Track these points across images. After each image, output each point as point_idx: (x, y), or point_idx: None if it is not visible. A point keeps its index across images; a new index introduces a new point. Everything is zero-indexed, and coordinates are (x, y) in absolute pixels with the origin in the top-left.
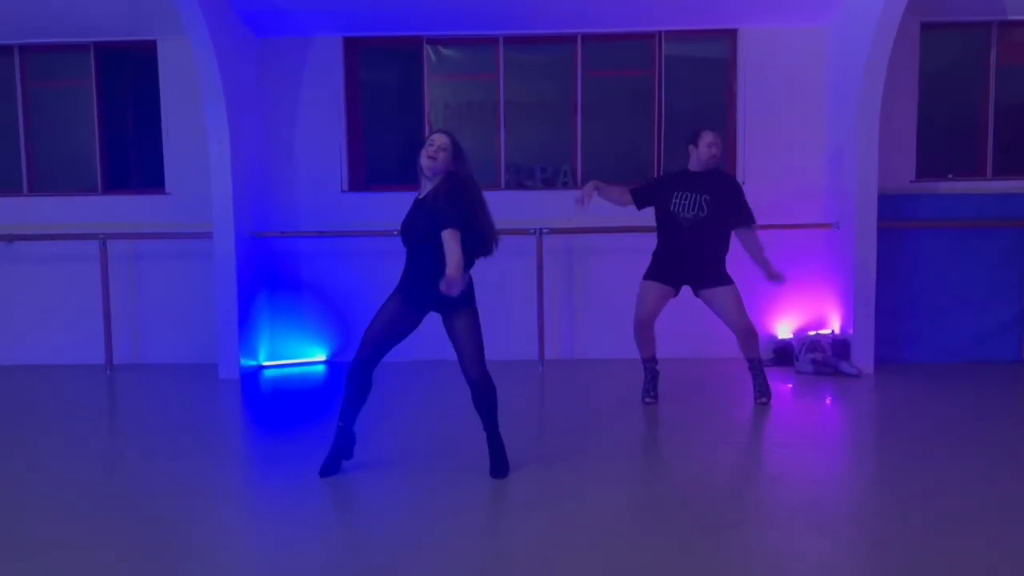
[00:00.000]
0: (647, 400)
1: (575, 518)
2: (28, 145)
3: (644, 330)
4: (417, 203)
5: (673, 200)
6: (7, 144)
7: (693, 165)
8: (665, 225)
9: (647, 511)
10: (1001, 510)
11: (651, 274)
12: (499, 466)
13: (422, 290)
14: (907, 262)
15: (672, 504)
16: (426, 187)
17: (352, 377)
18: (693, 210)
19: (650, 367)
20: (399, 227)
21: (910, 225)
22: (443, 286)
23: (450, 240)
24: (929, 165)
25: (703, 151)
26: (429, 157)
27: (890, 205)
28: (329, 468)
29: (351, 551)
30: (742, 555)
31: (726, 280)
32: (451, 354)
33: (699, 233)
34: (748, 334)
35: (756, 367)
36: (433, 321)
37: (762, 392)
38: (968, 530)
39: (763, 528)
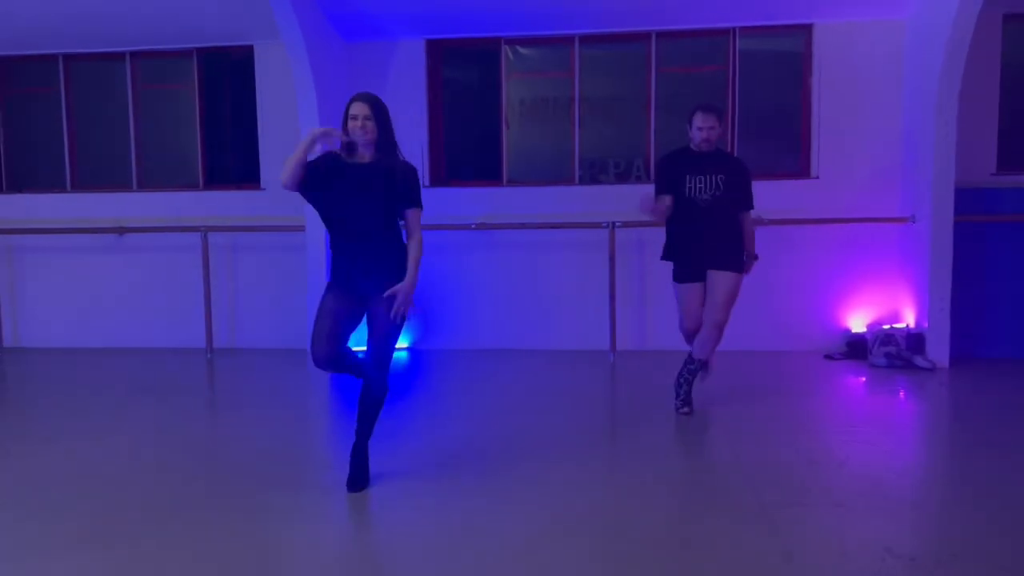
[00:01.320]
0: (683, 411)
1: (648, 491)
2: (137, 144)
3: (694, 335)
4: (347, 170)
5: (687, 185)
6: (120, 143)
7: (692, 143)
8: (680, 210)
9: (714, 490)
10: None
11: (682, 275)
12: (358, 478)
13: (363, 277)
14: (987, 256)
15: (738, 484)
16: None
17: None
18: (710, 191)
19: (692, 371)
20: (330, 199)
21: (990, 219)
22: (397, 305)
23: (417, 229)
24: (1011, 157)
25: (694, 135)
26: (360, 129)
27: (969, 198)
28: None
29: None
30: (803, 532)
31: (737, 266)
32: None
33: (717, 213)
34: (717, 328)
35: (693, 372)
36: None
37: (685, 401)
38: None
39: (826, 508)
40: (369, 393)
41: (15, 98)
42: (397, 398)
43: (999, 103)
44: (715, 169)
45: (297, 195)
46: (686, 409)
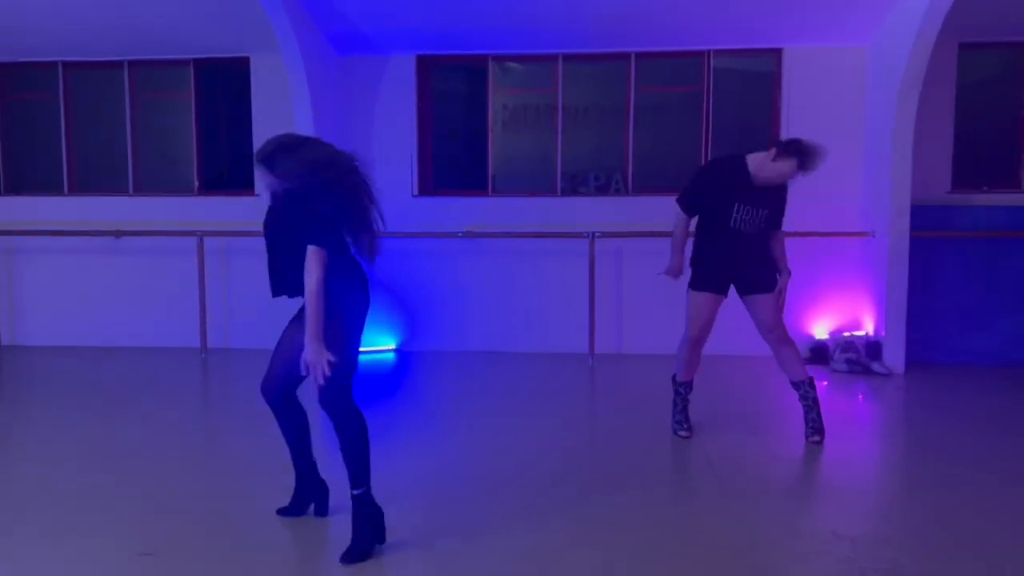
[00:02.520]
0: (682, 433)
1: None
2: (134, 150)
3: (697, 347)
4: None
5: (734, 215)
6: (117, 149)
7: (758, 173)
8: (718, 235)
9: (684, 481)
10: (1001, 507)
11: (703, 284)
12: (364, 544)
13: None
14: (941, 269)
15: (707, 477)
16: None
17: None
18: (754, 224)
19: (684, 393)
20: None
21: (944, 234)
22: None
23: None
24: (965, 177)
25: (771, 170)
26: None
27: (926, 215)
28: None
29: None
30: (763, 519)
31: (772, 284)
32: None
33: (756, 242)
34: (784, 343)
35: (806, 393)
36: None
37: (815, 429)
38: (970, 516)
39: (783, 498)
40: (339, 434)
41: (15, 103)
42: (385, 394)
43: (954, 126)
44: (763, 203)
45: None
46: (816, 438)
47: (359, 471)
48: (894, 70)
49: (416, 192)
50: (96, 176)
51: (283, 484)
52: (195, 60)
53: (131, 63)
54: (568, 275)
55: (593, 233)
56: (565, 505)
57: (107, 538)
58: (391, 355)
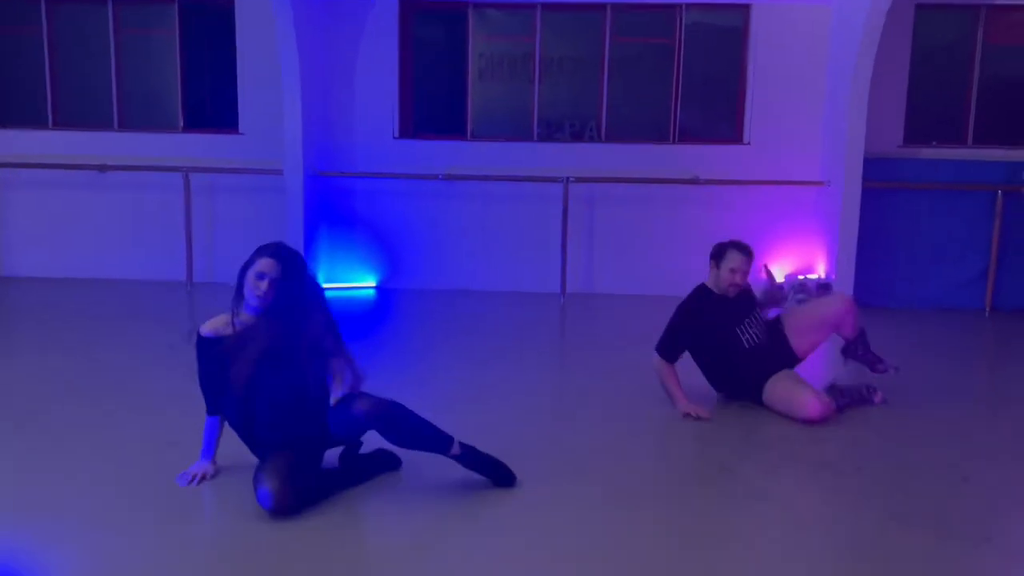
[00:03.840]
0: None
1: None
2: (119, 86)
3: (828, 408)
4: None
5: (742, 337)
6: (101, 85)
7: (716, 287)
8: (737, 358)
9: (623, 405)
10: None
11: (755, 390)
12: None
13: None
14: (891, 218)
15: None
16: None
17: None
18: (763, 336)
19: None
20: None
21: (895, 185)
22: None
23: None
24: (916, 132)
25: (724, 276)
26: (260, 294)
27: (878, 167)
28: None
29: None
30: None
31: (778, 323)
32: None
33: (772, 346)
34: (843, 301)
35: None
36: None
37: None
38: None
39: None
40: (394, 433)
41: None
42: (366, 330)
43: (908, 84)
44: (749, 308)
45: (272, 140)
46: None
47: (433, 438)
48: (853, 29)
49: (397, 134)
50: (81, 111)
51: None
52: None
53: (115, 0)
54: (542, 218)
55: (567, 178)
56: (537, 427)
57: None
58: (371, 292)
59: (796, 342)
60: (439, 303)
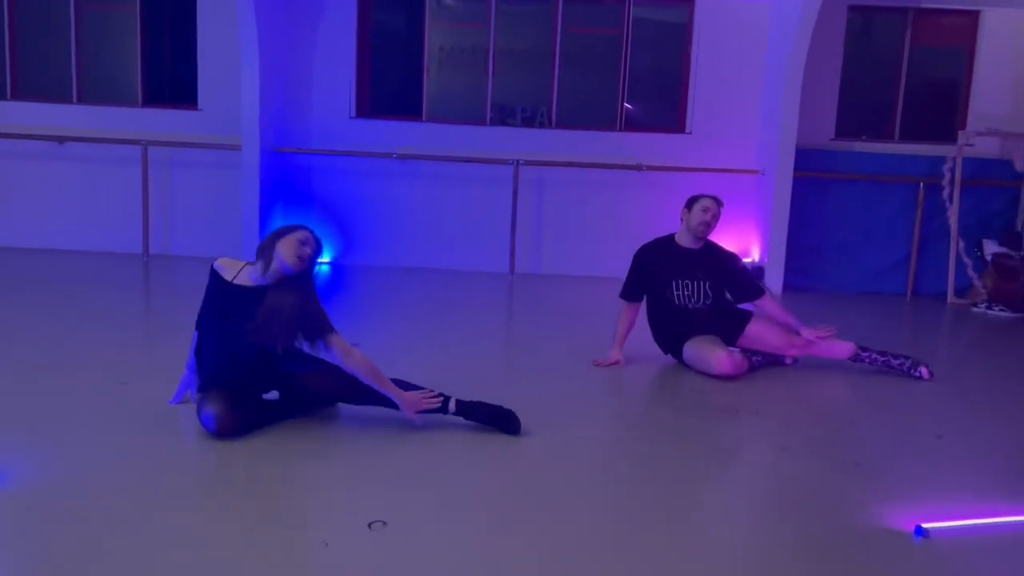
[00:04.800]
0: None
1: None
2: (78, 60)
3: (740, 366)
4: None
5: (674, 292)
6: (61, 59)
7: (686, 239)
8: (666, 312)
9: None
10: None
11: (664, 347)
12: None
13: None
14: (822, 207)
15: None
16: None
17: None
18: (699, 300)
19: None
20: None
21: (826, 176)
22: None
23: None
24: (847, 126)
25: (695, 216)
26: (299, 257)
27: (811, 158)
28: None
29: None
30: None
31: (745, 318)
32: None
33: (710, 316)
34: (794, 340)
35: (871, 359)
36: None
37: (909, 364)
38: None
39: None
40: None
41: None
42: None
43: (840, 80)
44: (702, 274)
45: (231, 116)
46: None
47: (387, 400)
48: (788, 26)
49: (354, 114)
50: (39, 83)
51: None
52: None
53: None
54: (493, 199)
55: (518, 161)
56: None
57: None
58: (325, 267)
59: (742, 341)
60: (392, 280)
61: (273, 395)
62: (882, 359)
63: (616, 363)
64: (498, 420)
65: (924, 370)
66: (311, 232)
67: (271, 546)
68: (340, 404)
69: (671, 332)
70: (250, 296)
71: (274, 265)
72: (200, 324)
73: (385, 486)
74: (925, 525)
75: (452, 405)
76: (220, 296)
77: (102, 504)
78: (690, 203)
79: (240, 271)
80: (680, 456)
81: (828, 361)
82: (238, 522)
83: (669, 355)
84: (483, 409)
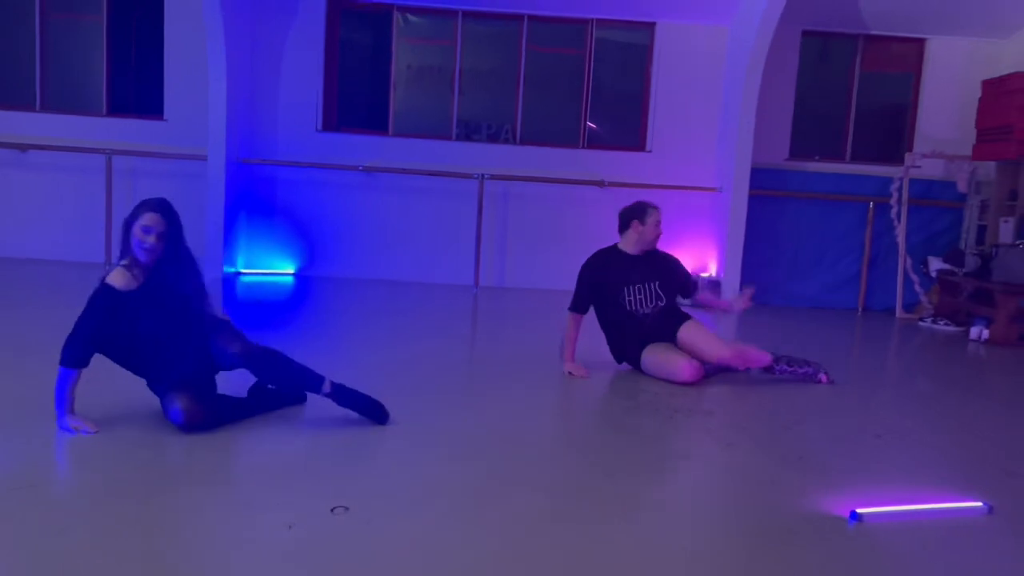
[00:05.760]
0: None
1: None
2: (43, 68)
3: (699, 371)
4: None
5: (627, 298)
6: (25, 66)
7: (631, 247)
8: (620, 320)
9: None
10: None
11: (620, 358)
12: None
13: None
14: (777, 224)
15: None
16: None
17: None
18: (652, 303)
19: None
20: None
21: (781, 194)
22: None
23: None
24: (801, 147)
25: (650, 230)
26: (146, 250)
27: (766, 177)
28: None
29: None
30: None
31: (685, 315)
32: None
33: (661, 319)
34: (732, 351)
35: (781, 369)
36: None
37: (812, 371)
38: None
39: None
40: (270, 371)
41: None
42: (284, 312)
43: (794, 103)
44: (651, 275)
45: (196, 127)
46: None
47: (301, 375)
48: (744, 49)
49: (320, 127)
50: (2, 90)
51: None
52: None
53: None
54: (458, 213)
55: (483, 175)
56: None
57: None
58: (290, 279)
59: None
60: (356, 291)
61: (240, 394)
62: (790, 369)
63: (586, 374)
64: (370, 408)
65: (824, 376)
66: (154, 208)
67: (238, 528)
68: (306, 401)
69: (627, 339)
70: (149, 292)
71: (138, 261)
72: (80, 353)
73: (348, 473)
74: (859, 510)
75: (327, 386)
76: (117, 309)
77: (73, 496)
78: (640, 216)
79: (127, 278)
80: (634, 449)
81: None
82: (207, 508)
83: (624, 364)
84: (356, 396)
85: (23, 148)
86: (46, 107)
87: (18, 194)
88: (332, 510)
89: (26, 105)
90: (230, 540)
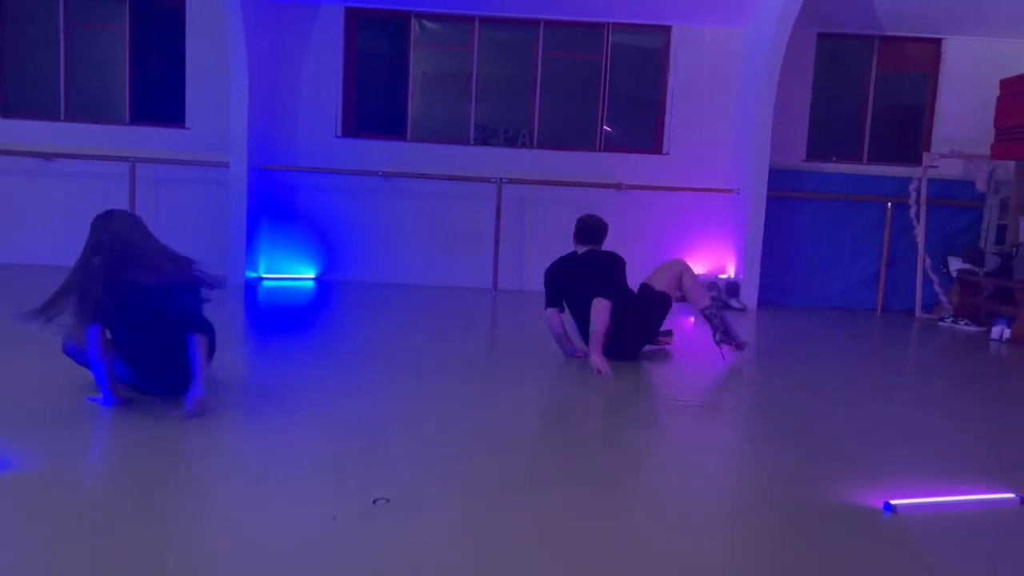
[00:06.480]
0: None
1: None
2: (67, 79)
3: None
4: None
5: (578, 289)
6: (50, 76)
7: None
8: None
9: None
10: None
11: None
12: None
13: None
14: (794, 225)
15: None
16: None
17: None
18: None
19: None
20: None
21: (798, 196)
22: None
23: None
24: (818, 148)
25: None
26: None
27: (784, 178)
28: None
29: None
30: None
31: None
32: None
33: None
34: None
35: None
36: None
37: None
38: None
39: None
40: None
41: None
42: (303, 316)
43: (811, 104)
44: (598, 269)
45: (218, 135)
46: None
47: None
48: (760, 52)
49: (340, 133)
50: (27, 100)
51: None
52: None
53: None
54: (476, 217)
55: (501, 179)
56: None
57: None
58: (310, 283)
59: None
60: (376, 295)
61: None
62: (713, 323)
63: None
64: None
65: (727, 350)
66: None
67: (285, 519)
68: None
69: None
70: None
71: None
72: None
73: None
74: (893, 502)
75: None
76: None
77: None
78: (603, 232)
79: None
80: (653, 441)
81: (802, 366)
82: (255, 500)
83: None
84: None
85: (49, 157)
86: (70, 117)
87: (45, 202)
88: (374, 502)
89: (51, 115)
90: (279, 529)
